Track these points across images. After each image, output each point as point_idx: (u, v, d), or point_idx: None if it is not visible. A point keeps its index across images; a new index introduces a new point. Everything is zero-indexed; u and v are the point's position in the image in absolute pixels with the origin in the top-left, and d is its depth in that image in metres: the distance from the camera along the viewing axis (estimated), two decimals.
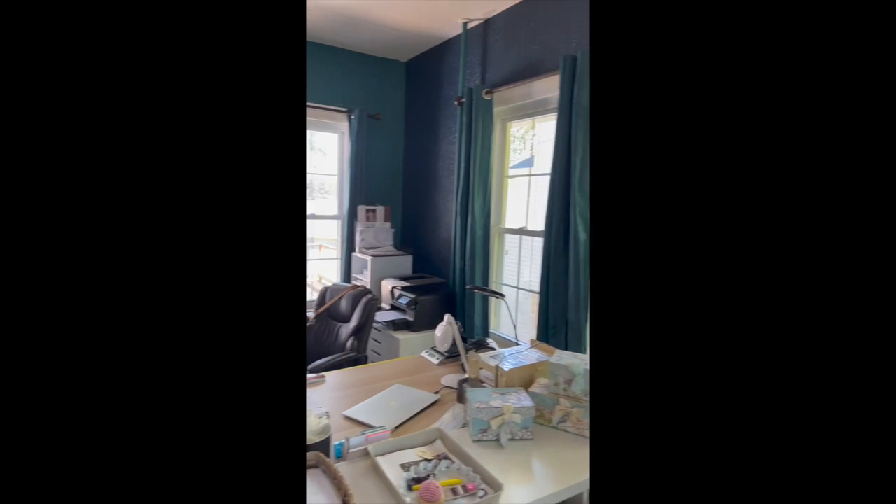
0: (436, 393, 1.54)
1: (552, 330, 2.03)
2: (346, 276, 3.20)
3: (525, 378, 1.45)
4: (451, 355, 1.86)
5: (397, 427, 1.31)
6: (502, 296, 1.82)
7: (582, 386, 1.29)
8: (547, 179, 2.10)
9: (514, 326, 1.89)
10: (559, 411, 1.31)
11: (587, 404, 1.28)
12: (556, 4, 2.11)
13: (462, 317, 2.58)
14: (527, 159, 2.62)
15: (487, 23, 2.54)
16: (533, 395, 1.33)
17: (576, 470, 1.12)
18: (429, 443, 1.19)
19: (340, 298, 2.36)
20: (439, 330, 1.69)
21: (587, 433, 1.28)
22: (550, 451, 1.20)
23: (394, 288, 2.75)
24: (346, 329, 2.27)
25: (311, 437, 1.09)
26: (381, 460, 1.08)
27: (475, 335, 2.52)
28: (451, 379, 1.67)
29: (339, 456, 1.13)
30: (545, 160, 2.38)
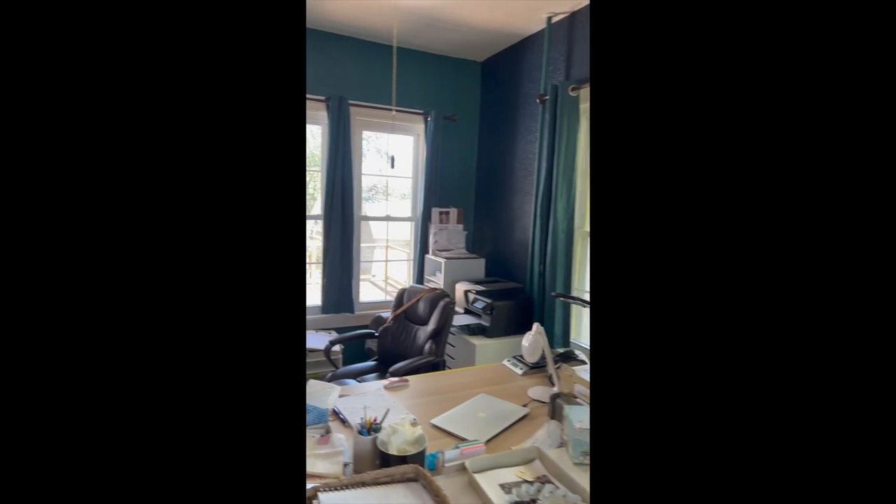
0: (524, 406, 1.46)
1: None
2: (419, 278, 3.20)
3: None
4: (536, 366, 1.77)
5: (488, 441, 1.25)
6: (589, 304, 1.69)
7: None
8: None
9: None
10: None
11: None
12: None
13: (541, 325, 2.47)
14: None
15: (573, 16, 2.42)
16: None
17: None
18: (527, 462, 1.11)
19: (418, 301, 2.34)
20: (527, 339, 1.60)
21: None
22: None
23: (468, 291, 2.70)
24: (424, 332, 2.24)
25: (407, 447, 1.05)
26: (479, 478, 1.02)
27: (555, 345, 2.39)
28: (538, 392, 1.57)
29: (433, 468, 1.08)
30: None
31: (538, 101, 2.55)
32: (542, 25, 2.60)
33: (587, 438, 1.11)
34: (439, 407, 1.45)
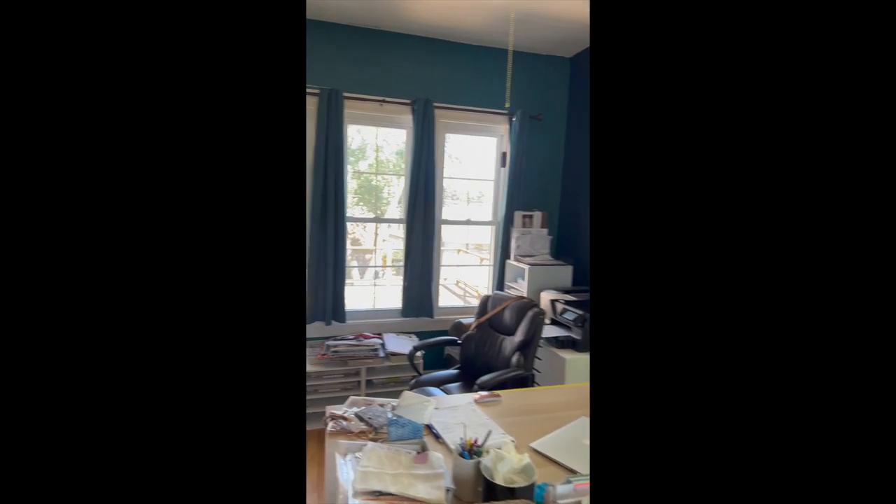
0: None
1: None
2: (500, 284, 3.08)
3: None
4: None
5: None
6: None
7: None
8: None
9: None
10: None
11: None
12: None
13: None
14: None
15: None
16: None
17: None
18: None
19: (504, 309, 2.23)
20: None
21: None
22: None
23: (555, 301, 2.53)
24: (510, 343, 2.12)
25: (515, 476, 0.94)
26: None
27: None
28: None
29: (541, 502, 0.96)
30: None
31: None
32: None
33: None
34: (537, 429, 1.32)
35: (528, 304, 2.16)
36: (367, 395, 2.60)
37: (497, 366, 2.09)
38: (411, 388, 2.05)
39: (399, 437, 1.14)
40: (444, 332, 2.81)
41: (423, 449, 1.11)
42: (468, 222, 3.30)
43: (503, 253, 3.06)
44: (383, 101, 2.74)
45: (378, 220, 3.31)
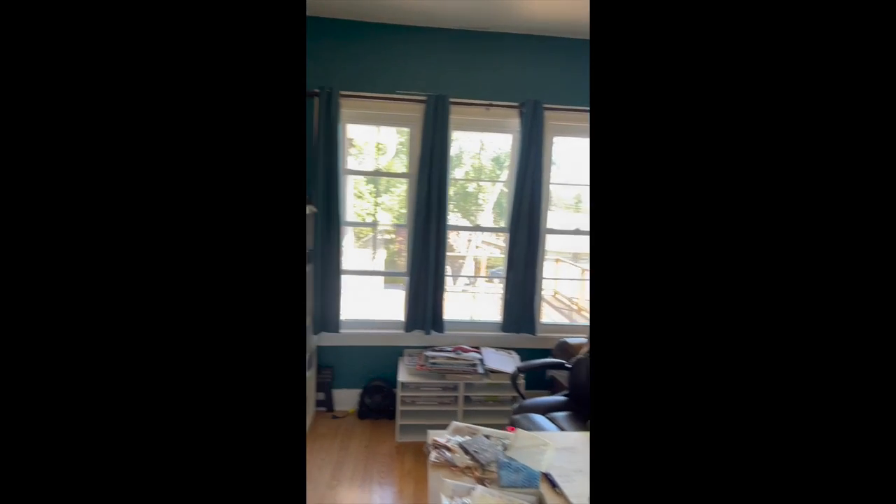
0: None
1: None
2: None
3: None
4: None
5: None
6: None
7: None
8: None
9: None
10: None
11: None
12: None
13: None
14: None
15: None
16: None
17: None
18: None
19: None
20: None
21: None
22: None
23: None
24: None
25: None
26: None
27: None
28: None
29: None
30: None
31: None
32: None
33: None
34: None
35: None
36: (465, 411, 2.49)
37: None
38: (514, 413, 1.88)
39: (512, 483, 0.99)
40: (546, 351, 2.59)
41: (540, 501, 0.95)
42: (577, 232, 3.04)
43: None
44: (490, 104, 2.63)
45: (478, 228, 3.20)
